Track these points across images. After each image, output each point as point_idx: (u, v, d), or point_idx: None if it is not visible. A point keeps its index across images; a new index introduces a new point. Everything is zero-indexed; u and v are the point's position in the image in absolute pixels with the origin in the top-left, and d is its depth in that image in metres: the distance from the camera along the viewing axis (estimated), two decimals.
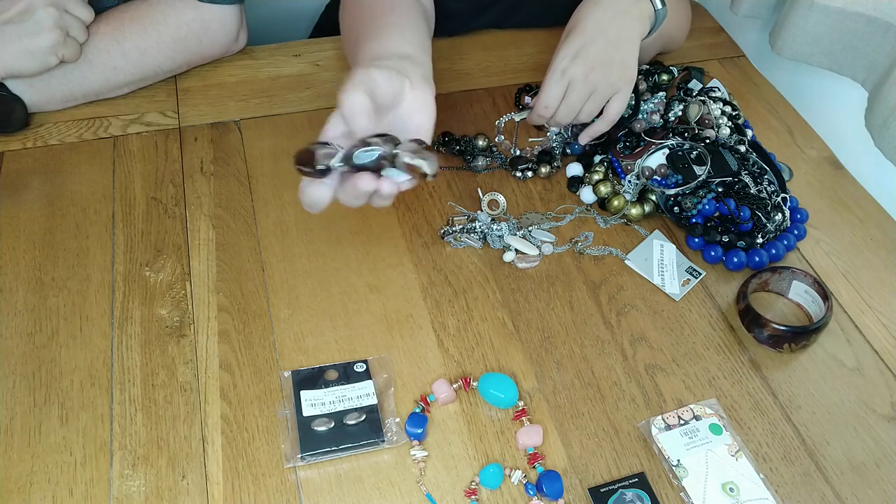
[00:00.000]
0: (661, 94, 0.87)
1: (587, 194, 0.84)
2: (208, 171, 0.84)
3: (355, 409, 0.64)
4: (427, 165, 0.58)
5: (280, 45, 1.01)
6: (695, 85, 0.93)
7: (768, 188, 0.81)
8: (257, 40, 1.00)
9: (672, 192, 0.81)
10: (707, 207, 0.79)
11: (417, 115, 0.63)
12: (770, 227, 0.79)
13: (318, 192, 0.60)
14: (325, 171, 0.59)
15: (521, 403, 0.66)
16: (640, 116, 0.86)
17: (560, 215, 0.83)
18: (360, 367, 0.67)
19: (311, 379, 0.66)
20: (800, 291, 0.76)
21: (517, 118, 0.88)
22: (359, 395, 0.65)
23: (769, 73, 1.03)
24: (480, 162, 0.86)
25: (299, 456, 0.61)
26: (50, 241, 0.76)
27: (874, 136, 0.88)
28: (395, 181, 0.59)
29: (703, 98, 0.87)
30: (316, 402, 0.64)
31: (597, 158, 0.87)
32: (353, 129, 0.59)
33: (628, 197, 0.82)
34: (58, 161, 0.84)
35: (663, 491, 0.62)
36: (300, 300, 0.73)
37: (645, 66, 0.95)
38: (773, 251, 0.78)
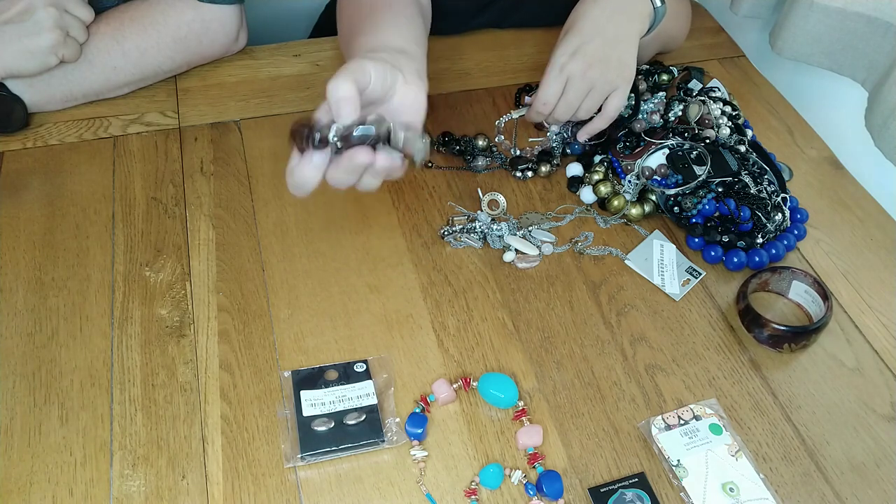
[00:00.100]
0: (661, 94, 0.87)
1: (587, 194, 0.84)
2: (208, 171, 0.84)
3: (355, 409, 0.64)
4: (420, 149, 0.60)
5: (280, 45, 1.01)
6: (695, 85, 0.93)
7: (768, 188, 0.81)
8: (257, 40, 1.00)
9: (672, 192, 0.81)
10: (707, 207, 0.79)
11: (408, 109, 0.64)
12: (770, 227, 0.79)
13: (307, 173, 0.60)
14: (322, 145, 0.59)
15: (521, 403, 0.66)
16: (640, 116, 0.86)
17: (560, 215, 0.83)
18: (360, 367, 0.67)
19: (311, 379, 0.66)
20: (800, 291, 0.76)
21: (515, 115, 0.88)
22: (359, 395, 0.65)
23: (769, 73, 1.03)
24: (480, 162, 0.86)
25: (299, 456, 0.61)
26: (50, 241, 0.76)
27: (874, 136, 0.88)
28: (391, 158, 0.60)
29: (703, 98, 0.87)
30: (316, 402, 0.64)
31: (597, 158, 0.87)
32: (337, 119, 0.59)
33: (628, 197, 0.82)
34: (58, 161, 0.84)
35: (663, 491, 0.62)
36: (300, 300, 0.73)
37: (645, 66, 0.95)
38: (773, 251, 0.78)
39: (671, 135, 0.84)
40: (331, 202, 0.81)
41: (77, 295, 0.72)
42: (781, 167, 0.86)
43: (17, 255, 0.75)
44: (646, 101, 0.87)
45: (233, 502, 0.59)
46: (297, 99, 0.93)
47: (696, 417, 0.66)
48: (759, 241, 0.78)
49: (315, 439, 0.62)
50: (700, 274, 0.78)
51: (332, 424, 0.63)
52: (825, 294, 0.73)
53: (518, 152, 0.89)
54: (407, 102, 0.64)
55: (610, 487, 0.61)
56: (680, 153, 0.82)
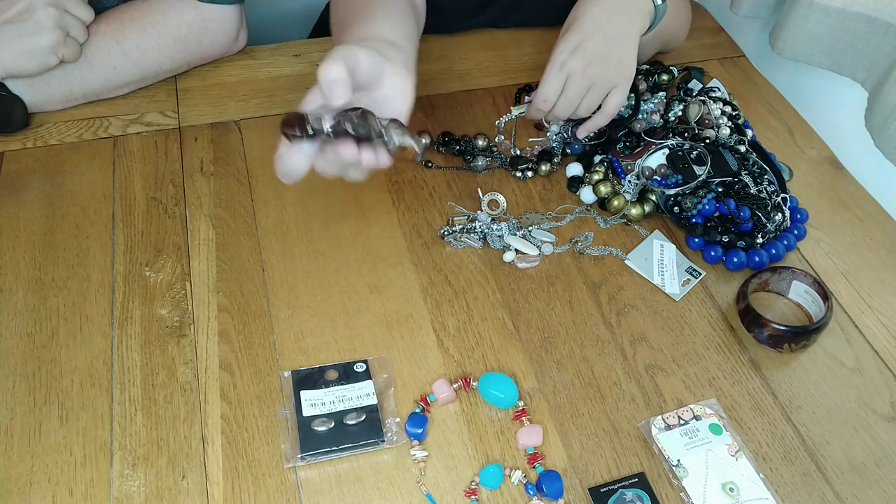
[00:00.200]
0: (661, 94, 0.87)
1: (587, 194, 0.84)
2: (208, 171, 0.84)
3: (355, 409, 0.64)
4: (417, 146, 0.61)
5: (280, 45, 1.01)
6: (695, 85, 0.93)
7: (768, 188, 0.81)
8: (257, 40, 1.00)
9: (672, 192, 0.81)
10: (707, 207, 0.79)
11: (395, 100, 0.64)
12: (770, 227, 0.79)
13: (297, 160, 0.61)
14: (314, 136, 0.60)
15: (521, 403, 0.66)
16: (640, 116, 0.86)
17: (560, 215, 0.83)
18: (360, 367, 0.67)
19: (311, 379, 0.66)
20: (800, 291, 0.76)
21: (515, 113, 0.88)
22: (359, 395, 0.65)
23: (769, 73, 1.03)
24: (480, 162, 0.87)
25: (299, 456, 0.61)
26: (50, 241, 0.76)
27: (874, 136, 0.88)
28: (376, 154, 0.61)
29: (703, 98, 0.87)
30: (316, 402, 0.64)
31: (597, 158, 0.87)
32: (329, 101, 0.59)
33: (628, 197, 0.82)
34: (58, 161, 0.84)
35: (663, 491, 0.62)
36: (300, 300, 0.73)
37: (645, 66, 0.95)
38: (773, 251, 0.78)
39: (671, 135, 0.84)
40: (331, 202, 0.81)
41: (77, 295, 0.72)
42: (781, 167, 0.86)
43: (17, 255, 0.75)
44: (646, 101, 0.87)
45: (233, 502, 0.59)
46: (298, 99, 0.91)
47: (696, 417, 0.66)
48: (759, 241, 0.78)
49: (315, 439, 0.62)
50: (700, 274, 0.78)
51: (332, 424, 0.63)
52: (825, 294, 0.73)
53: (518, 152, 0.89)
54: (394, 92, 0.64)
55: (610, 487, 0.61)
56: (680, 153, 0.82)
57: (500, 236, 0.79)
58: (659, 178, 0.82)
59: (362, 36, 0.70)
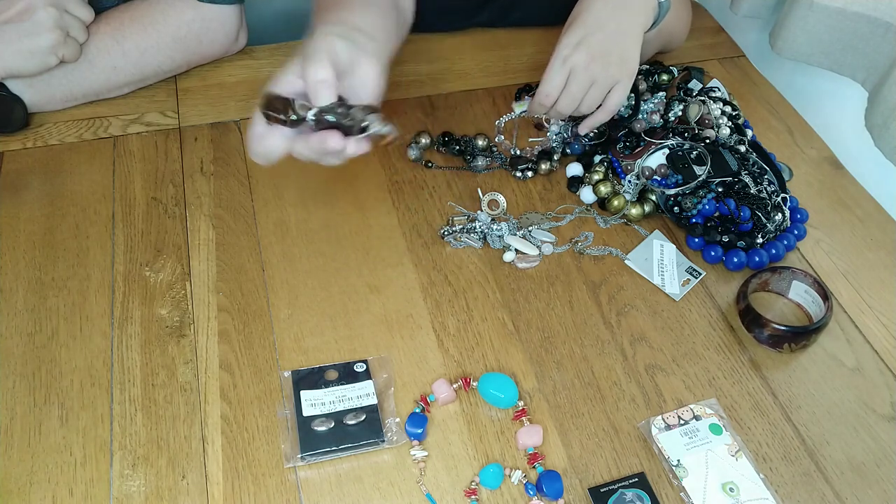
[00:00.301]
0: (661, 94, 0.87)
1: (587, 194, 0.84)
2: (208, 171, 0.84)
3: (355, 409, 0.64)
4: (393, 133, 0.63)
5: (280, 45, 1.01)
6: (695, 85, 0.93)
7: (768, 188, 0.81)
8: (257, 40, 1.00)
9: (672, 192, 0.81)
10: (707, 207, 0.79)
11: (367, 87, 0.65)
12: (770, 227, 0.79)
13: (275, 143, 0.62)
14: (297, 123, 0.61)
15: (521, 403, 0.66)
16: (640, 116, 0.86)
17: (560, 215, 0.83)
18: (360, 367, 0.67)
19: (311, 379, 0.66)
20: (800, 291, 0.76)
21: (517, 109, 0.88)
22: (359, 395, 0.65)
23: (769, 73, 1.03)
24: (480, 162, 0.87)
25: (299, 456, 0.61)
26: (50, 241, 0.76)
27: (874, 136, 0.88)
28: (360, 145, 0.62)
29: (703, 98, 0.87)
30: (316, 402, 0.64)
31: (597, 158, 0.87)
32: (314, 101, 0.60)
33: (628, 197, 0.82)
34: (58, 161, 0.84)
35: (663, 491, 0.62)
36: (300, 300, 0.73)
37: (645, 66, 0.94)
38: (773, 251, 0.78)
39: (671, 135, 0.84)
40: (331, 203, 0.81)
41: (77, 295, 0.72)
42: (781, 167, 0.86)
43: (17, 255, 0.75)
44: (646, 101, 0.86)
45: (233, 502, 0.59)
46: None
47: (696, 417, 0.66)
48: (759, 241, 0.78)
49: (315, 439, 0.62)
50: (700, 274, 0.78)
51: (332, 424, 0.63)
52: (825, 294, 0.73)
53: (518, 152, 0.89)
54: (367, 80, 0.64)
55: (610, 487, 0.61)
56: (680, 153, 0.82)
57: (500, 236, 0.79)
58: (659, 178, 0.82)
59: (338, 21, 0.70)
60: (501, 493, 0.61)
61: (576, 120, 0.87)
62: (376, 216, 0.81)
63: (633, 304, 0.75)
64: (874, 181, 0.88)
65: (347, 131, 0.61)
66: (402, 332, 0.71)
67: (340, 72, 0.63)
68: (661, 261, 0.79)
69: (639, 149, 0.85)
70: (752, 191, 0.80)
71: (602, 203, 0.84)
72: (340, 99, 0.62)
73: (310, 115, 0.60)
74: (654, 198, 0.82)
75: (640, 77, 0.89)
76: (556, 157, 0.87)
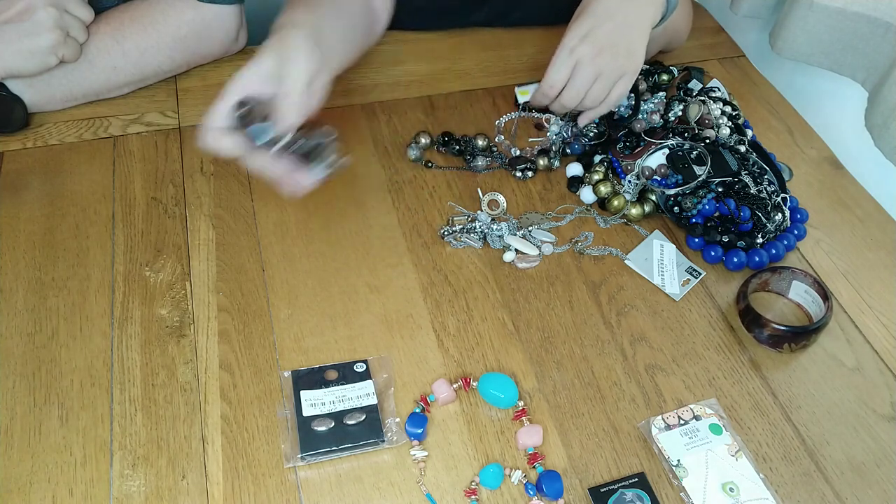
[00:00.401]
0: (661, 94, 0.87)
1: (587, 194, 0.84)
2: (208, 171, 0.84)
3: (355, 409, 0.64)
4: (345, 165, 0.69)
5: None
6: (695, 85, 0.93)
7: (768, 188, 0.81)
8: (257, 40, 0.99)
9: (672, 192, 0.81)
10: (707, 207, 0.79)
11: (287, 100, 0.66)
12: (770, 227, 0.79)
13: (230, 147, 0.66)
14: (263, 146, 0.65)
15: (521, 403, 0.66)
16: (640, 116, 0.86)
17: (560, 215, 0.83)
18: (360, 367, 0.67)
19: (311, 379, 0.66)
20: (800, 291, 0.76)
21: (519, 96, 0.87)
22: (359, 395, 0.65)
23: (769, 73, 1.03)
24: (480, 162, 0.87)
25: (299, 456, 0.61)
26: (50, 241, 0.76)
27: (874, 136, 0.88)
28: (313, 176, 0.67)
29: (703, 98, 0.87)
30: (316, 402, 0.64)
31: (597, 158, 0.87)
32: (279, 125, 0.65)
33: (628, 197, 0.82)
34: (58, 161, 0.84)
35: (663, 491, 0.62)
36: (300, 300, 0.73)
37: (645, 66, 0.94)
38: (773, 251, 0.78)
39: (671, 135, 0.84)
40: (331, 203, 0.81)
41: (77, 295, 0.72)
42: (781, 167, 0.86)
43: (17, 255, 0.75)
44: (646, 101, 0.87)
45: (233, 502, 0.59)
46: None
47: (696, 417, 0.66)
48: (759, 241, 0.78)
49: (315, 439, 0.62)
50: (700, 274, 0.78)
51: (332, 424, 0.63)
52: (825, 294, 0.73)
53: (518, 152, 0.89)
54: (291, 97, 0.66)
55: (610, 487, 0.61)
56: (680, 153, 0.82)
57: (500, 236, 0.79)
58: (659, 178, 0.82)
59: (292, 21, 0.71)
60: (501, 493, 0.61)
61: (576, 117, 0.87)
62: (376, 216, 0.81)
63: (633, 304, 0.75)
64: (874, 181, 0.88)
65: (311, 159, 0.66)
66: (402, 332, 0.71)
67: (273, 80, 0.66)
68: (661, 261, 0.79)
69: (639, 149, 0.85)
70: (752, 191, 0.80)
71: (602, 203, 0.84)
72: (301, 127, 0.66)
73: (274, 149, 0.65)
74: (654, 198, 0.82)
75: (640, 77, 0.89)
76: (554, 153, 0.87)
